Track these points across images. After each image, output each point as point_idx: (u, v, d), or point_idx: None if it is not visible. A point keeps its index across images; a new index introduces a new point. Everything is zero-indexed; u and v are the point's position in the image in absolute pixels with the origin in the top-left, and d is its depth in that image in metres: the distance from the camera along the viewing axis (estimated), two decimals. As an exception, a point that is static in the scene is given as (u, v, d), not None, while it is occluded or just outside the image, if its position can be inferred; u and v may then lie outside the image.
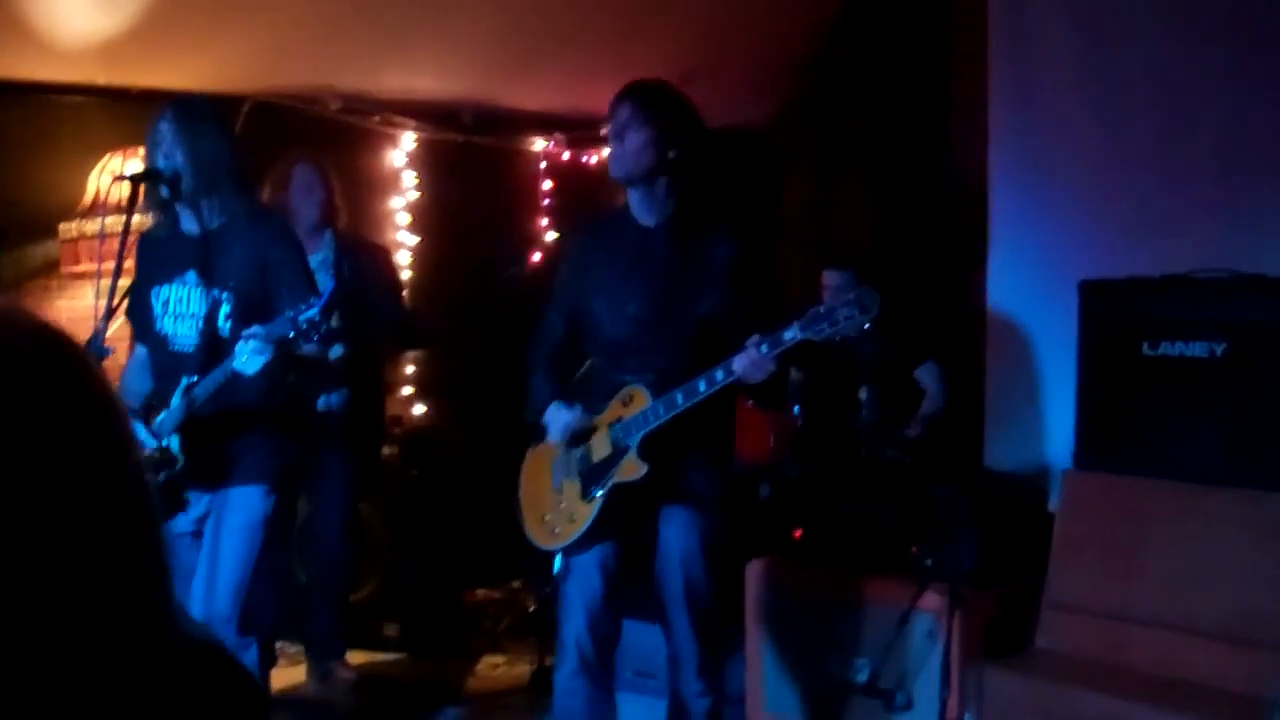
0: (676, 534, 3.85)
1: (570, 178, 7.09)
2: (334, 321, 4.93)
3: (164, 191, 3.73)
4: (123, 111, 5.65)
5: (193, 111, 3.75)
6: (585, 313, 3.94)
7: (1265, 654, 3.58)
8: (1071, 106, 5.00)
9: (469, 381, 6.82)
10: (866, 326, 3.42)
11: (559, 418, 3.85)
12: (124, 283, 3.74)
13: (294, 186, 5.29)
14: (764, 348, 3.47)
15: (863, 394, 5.21)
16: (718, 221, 3.88)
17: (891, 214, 6.66)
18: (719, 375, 3.56)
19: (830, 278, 5.61)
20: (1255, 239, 4.32)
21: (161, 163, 3.70)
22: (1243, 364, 3.92)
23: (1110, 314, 4.27)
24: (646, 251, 3.84)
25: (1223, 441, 3.94)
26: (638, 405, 3.71)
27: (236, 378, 3.51)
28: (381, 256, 5.85)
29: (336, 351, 5.14)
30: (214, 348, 3.67)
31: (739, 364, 3.50)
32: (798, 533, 5.00)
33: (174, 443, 3.69)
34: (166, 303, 3.79)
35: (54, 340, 1.01)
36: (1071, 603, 4.01)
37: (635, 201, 3.87)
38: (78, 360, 1.01)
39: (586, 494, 3.82)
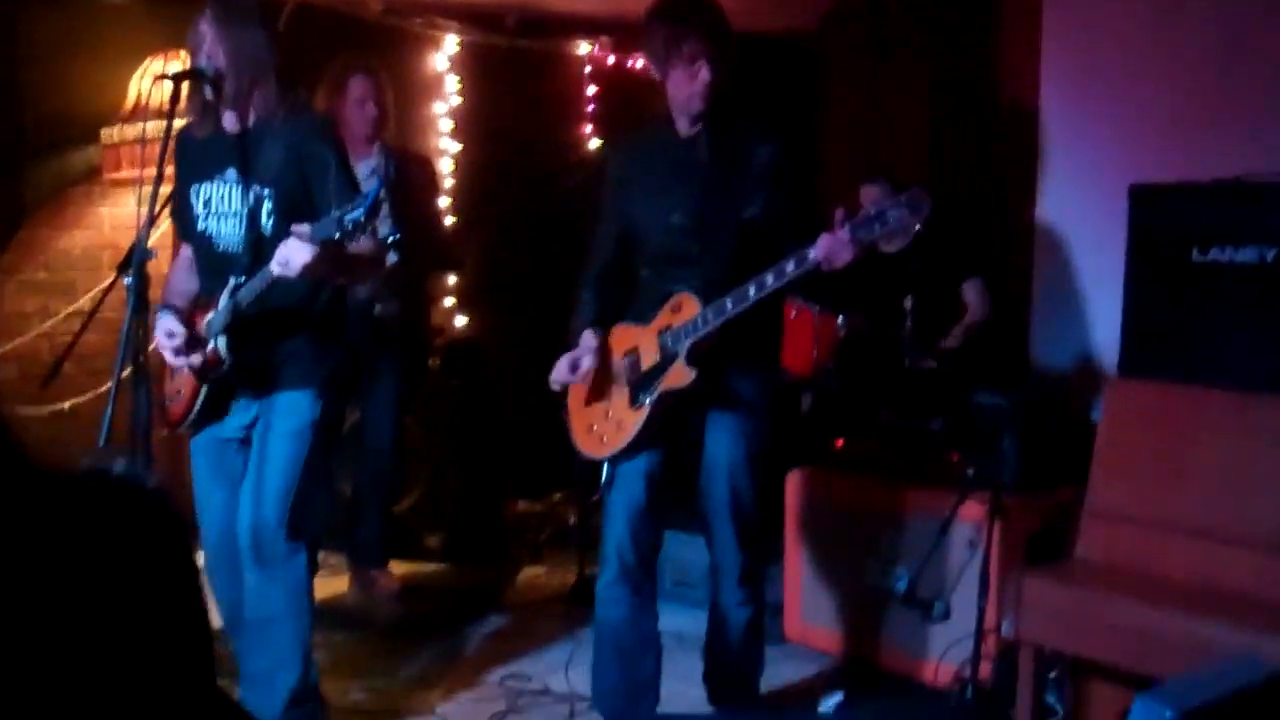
0: (723, 442, 3.85)
1: (615, 83, 7.01)
2: (383, 226, 4.92)
3: (207, 92, 3.70)
4: (164, 14, 5.60)
5: (234, 9, 3.70)
6: (630, 224, 3.92)
7: (1309, 565, 3.55)
8: (1124, 13, 4.91)
9: (511, 292, 6.81)
10: (918, 228, 3.34)
11: (584, 344, 3.85)
12: (166, 189, 3.72)
13: (349, 98, 5.23)
14: (848, 228, 3.40)
15: (907, 304, 5.16)
16: (758, 123, 3.83)
17: (942, 124, 6.56)
18: (769, 279, 3.51)
19: (866, 193, 5.52)
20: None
21: (204, 63, 3.67)
22: (1294, 271, 3.86)
23: (1160, 219, 4.20)
24: (688, 159, 3.80)
25: (1271, 349, 3.88)
26: (687, 312, 3.69)
27: (281, 278, 3.49)
28: (427, 170, 5.81)
29: (392, 258, 5.03)
30: (259, 247, 3.65)
31: (819, 248, 3.43)
32: (839, 442, 5.00)
33: (222, 344, 3.69)
34: (208, 201, 3.76)
35: None
36: (1113, 512, 3.98)
37: (676, 111, 3.83)
38: None
39: (634, 401, 3.81)
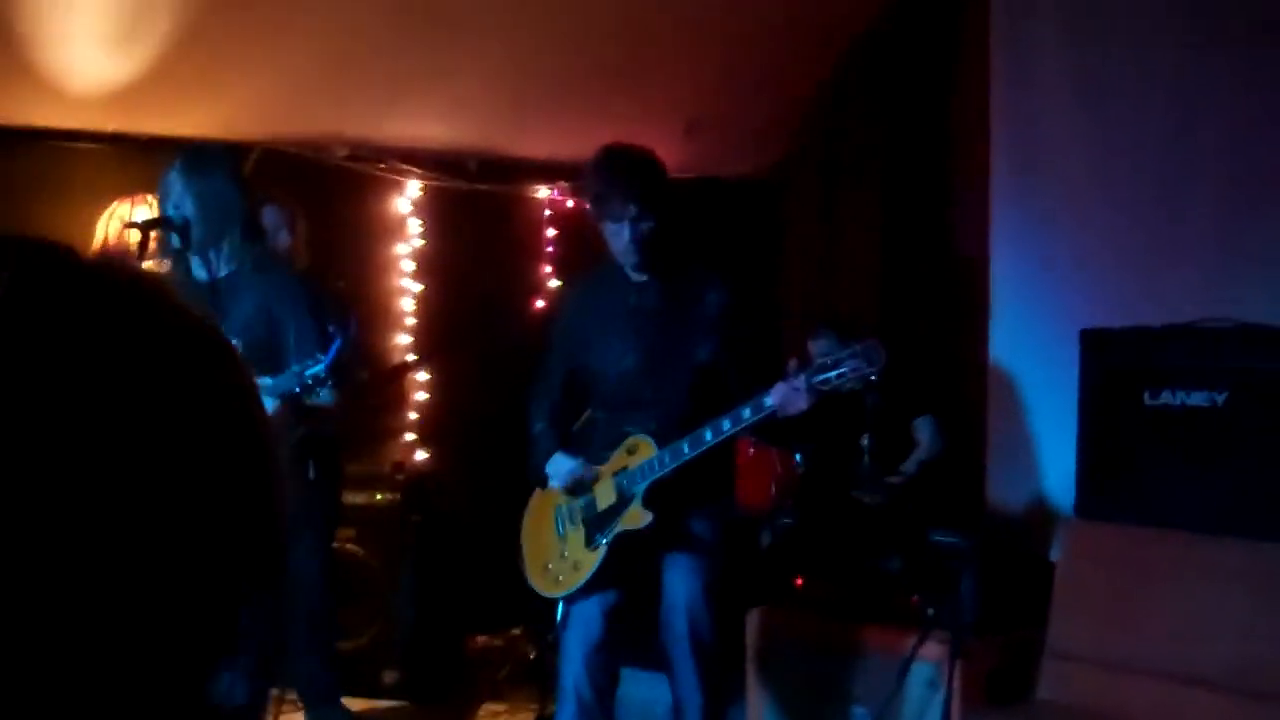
0: (681, 580, 3.86)
1: (573, 225, 7.11)
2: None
3: (174, 240, 3.75)
4: (131, 158, 5.68)
5: (203, 161, 3.78)
6: (582, 367, 3.95)
7: (1267, 705, 3.57)
8: (1073, 159, 5.04)
9: (471, 428, 6.82)
10: (873, 379, 3.40)
11: (562, 467, 3.87)
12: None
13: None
14: (803, 377, 3.46)
15: (865, 442, 5.21)
16: (709, 269, 3.90)
17: (894, 265, 6.68)
18: (725, 425, 3.56)
19: (815, 347, 5.55)
20: (1257, 289, 4.34)
21: (171, 211, 3.73)
22: (1244, 414, 3.93)
23: (1111, 363, 4.28)
24: (639, 304, 3.86)
25: (1224, 491, 3.94)
26: (643, 455, 3.72)
27: None
28: (344, 304, 5.71)
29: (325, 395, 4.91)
30: None
31: (775, 396, 3.48)
32: (799, 581, 5.00)
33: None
34: (173, 348, 3.78)
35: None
36: (1073, 652, 4.00)
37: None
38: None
39: (591, 542, 3.83)
